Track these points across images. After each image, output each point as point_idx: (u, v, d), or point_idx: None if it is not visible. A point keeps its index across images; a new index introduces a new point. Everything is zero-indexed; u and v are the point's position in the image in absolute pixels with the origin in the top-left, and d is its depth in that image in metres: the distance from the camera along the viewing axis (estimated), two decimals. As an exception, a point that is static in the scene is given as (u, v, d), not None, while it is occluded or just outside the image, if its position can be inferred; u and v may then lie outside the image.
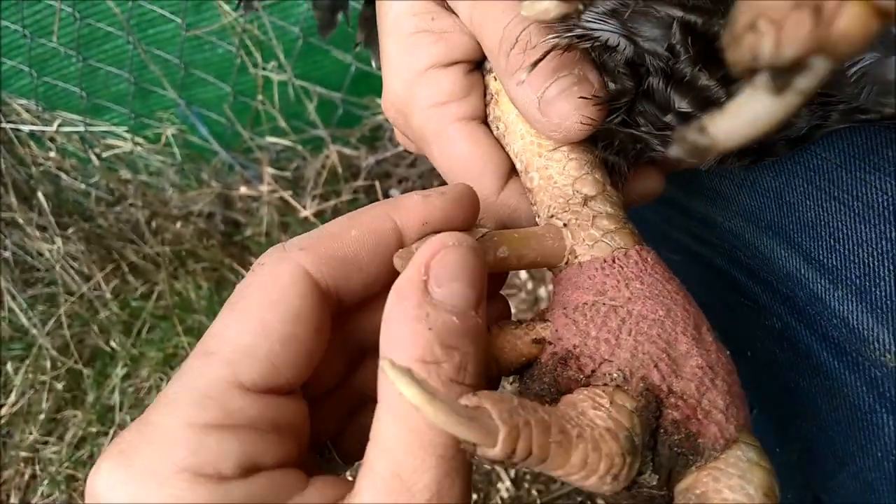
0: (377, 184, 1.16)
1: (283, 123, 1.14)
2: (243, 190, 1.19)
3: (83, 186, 1.18)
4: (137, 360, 1.07)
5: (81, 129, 1.13)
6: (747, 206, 0.36)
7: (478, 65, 0.33)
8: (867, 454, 0.31)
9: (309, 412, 0.27)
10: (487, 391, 0.21)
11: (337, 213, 1.10)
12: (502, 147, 0.33)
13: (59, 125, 1.11)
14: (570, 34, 0.27)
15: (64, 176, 1.17)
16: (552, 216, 0.29)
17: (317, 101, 1.12)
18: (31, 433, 1.01)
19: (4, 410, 1.03)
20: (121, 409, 1.02)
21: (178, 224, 1.19)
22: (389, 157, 1.20)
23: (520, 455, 0.20)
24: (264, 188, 1.15)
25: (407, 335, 0.22)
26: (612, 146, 0.31)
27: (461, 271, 0.23)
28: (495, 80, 0.32)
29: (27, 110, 1.11)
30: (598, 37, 0.27)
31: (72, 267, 1.12)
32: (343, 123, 1.19)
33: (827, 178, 0.32)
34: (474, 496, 0.91)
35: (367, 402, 0.30)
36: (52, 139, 1.14)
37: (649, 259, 0.27)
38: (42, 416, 1.03)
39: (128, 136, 1.15)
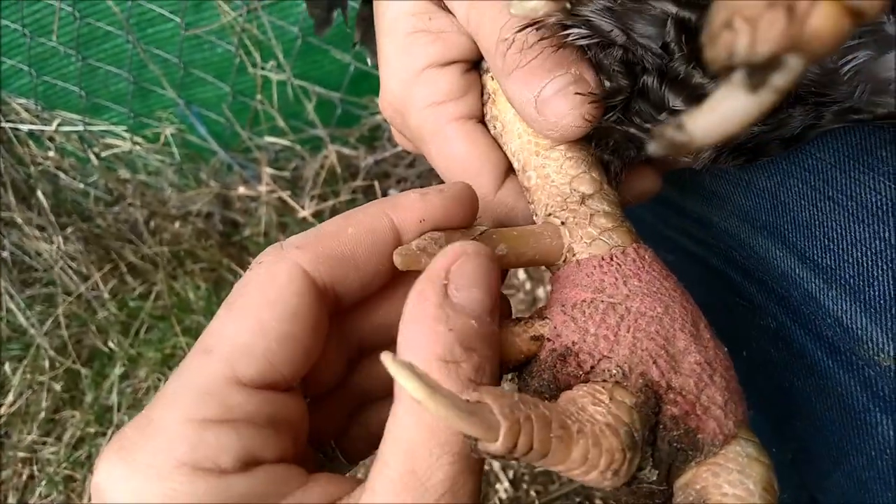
0: (376, 184, 1.16)
1: (281, 123, 1.14)
2: (242, 190, 1.19)
3: (82, 186, 1.18)
4: (135, 361, 1.07)
5: (80, 128, 1.13)
6: (742, 205, 0.36)
7: (475, 64, 0.33)
8: (861, 453, 0.31)
9: (310, 411, 0.27)
10: (488, 386, 0.21)
11: (335, 213, 1.10)
12: (499, 146, 0.33)
13: (59, 125, 1.11)
14: (567, 25, 0.27)
15: (62, 175, 1.17)
16: (550, 214, 0.29)
17: (316, 100, 1.12)
18: (29, 433, 1.01)
19: (2, 411, 1.03)
20: (119, 410, 1.02)
21: (177, 224, 1.19)
22: (388, 157, 1.20)
23: (521, 450, 0.20)
24: (263, 188, 1.15)
25: (428, 334, 0.22)
26: (607, 145, 0.31)
27: (480, 278, 0.24)
28: (492, 79, 0.32)
29: (26, 110, 1.11)
30: (594, 24, 0.27)
31: (70, 267, 1.12)
32: (342, 123, 1.19)
33: (821, 177, 0.32)
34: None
35: (369, 402, 0.30)
36: (51, 138, 1.14)
37: (647, 257, 0.27)
38: (40, 417, 1.03)
39: (127, 135, 1.15)
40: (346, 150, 1.18)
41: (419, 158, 1.17)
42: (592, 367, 0.25)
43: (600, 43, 0.28)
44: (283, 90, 1.12)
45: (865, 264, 0.30)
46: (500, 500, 0.91)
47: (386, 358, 0.19)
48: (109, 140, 1.16)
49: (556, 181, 0.30)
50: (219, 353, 0.23)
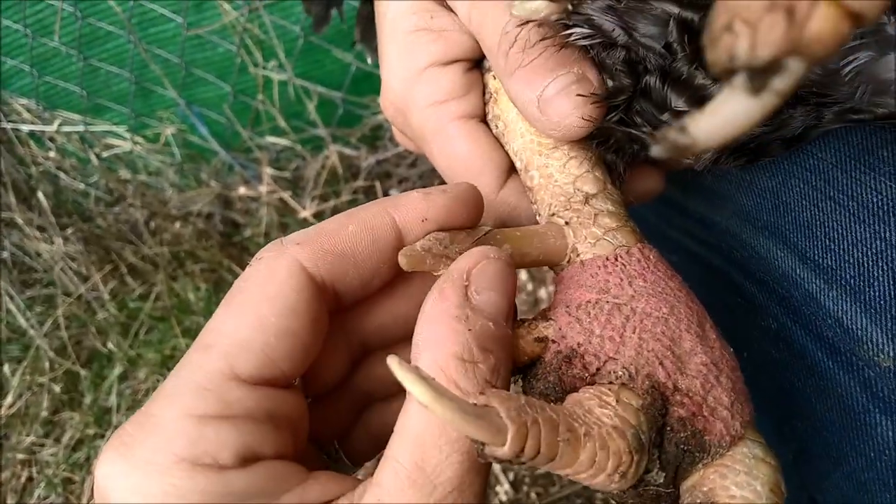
0: (377, 184, 1.16)
1: (283, 123, 1.14)
2: (242, 190, 1.19)
3: (82, 186, 1.18)
4: (135, 362, 1.07)
5: (81, 128, 1.13)
6: (744, 205, 0.36)
7: (476, 63, 0.33)
8: (860, 454, 0.31)
9: (314, 411, 0.27)
10: (495, 390, 0.21)
11: (336, 213, 1.10)
12: (501, 146, 0.33)
13: (60, 125, 1.11)
14: (570, 24, 0.27)
15: (63, 176, 1.17)
16: (553, 214, 0.29)
17: (317, 100, 1.12)
18: (28, 435, 1.01)
19: (2, 412, 1.03)
20: (118, 411, 1.02)
21: (177, 224, 1.18)
22: (390, 157, 1.19)
23: (528, 454, 0.20)
24: (263, 188, 1.15)
25: (447, 333, 0.23)
26: (609, 145, 0.31)
27: (499, 283, 0.25)
28: (494, 78, 0.32)
29: (28, 110, 1.11)
30: (597, 24, 0.27)
31: (70, 268, 1.12)
32: (343, 123, 1.19)
33: (823, 178, 0.32)
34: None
35: (372, 402, 0.30)
36: (52, 139, 1.14)
37: (651, 257, 0.27)
38: (40, 418, 1.02)
39: (127, 135, 1.15)
40: (347, 150, 1.18)
41: (421, 158, 1.17)
42: (598, 369, 0.25)
43: (602, 42, 0.28)
44: (284, 90, 1.12)
45: (866, 265, 0.30)
46: (501, 502, 0.90)
47: (392, 362, 0.19)
48: (110, 140, 1.16)
49: (560, 181, 0.30)
50: (218, 348, 0.23)
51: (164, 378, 0.24)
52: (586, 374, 0.25)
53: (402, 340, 0.30)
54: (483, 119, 0.33)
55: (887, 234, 0.30)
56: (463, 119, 0.32)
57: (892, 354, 0.29)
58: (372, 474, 0.23)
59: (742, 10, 0.13)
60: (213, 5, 1.03)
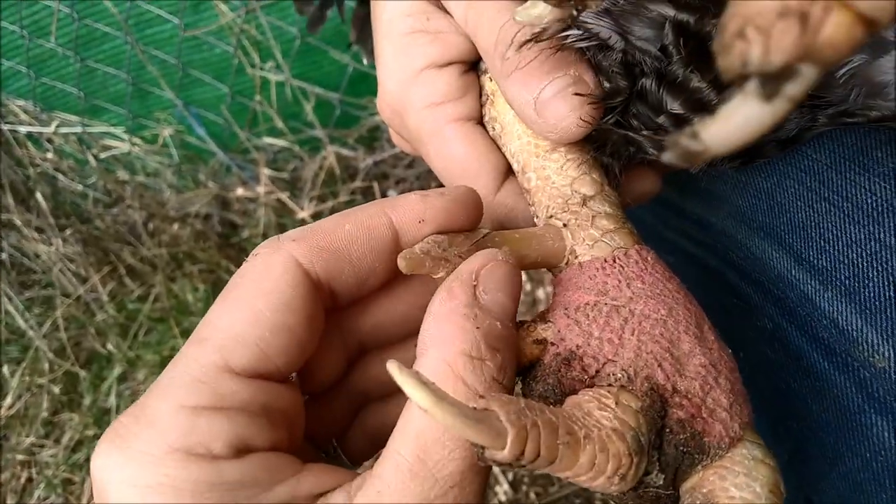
0: (375, 185, 1.16)
1: (280, 124, 1.14)
2: (240, 191, 1.19)
3: (80, 188, 1.18)
4: (134, 363, 1.07)
5: (79, 129, 1.13)
6: (740, 206, 0.36)
7: (473, 65, 0.33)
8: (856, 454, 0.31)
9: (311, 410, 0.27)
10: (495, 394, 0.21)
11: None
12: (498, 148, 0.33)
13: (57, 126, 1.11)
14: (564, 32, 0.27)
15: (61, 177, 1.17)
16: (551, 216, 0.29)
17: (314, 101, 1.12)
18: (27, 436, 1.01)
19: (1, 413, 1.03)
20: (117, 412, 1.02)
21: (175, 226, 1.19)
22: (387, 158, 1.20)
23: (528, 457, 0.20)
24: (261, 189, 1.15)
25: (456, 330, 0.23)
26: (605, 148, 0.31)
27: (506, 284, 0.25)
28: (490, 80, 0.32)
29: (25, 111, 1.11)
30: (593, 31, 0.27)
31: (69, 269, 1.12)
32: (341, 124, 1.19)
33: (817, 179, 0.32)
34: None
35: (369, 402, 0.31)
36: (49, 140, 1.14)
37: (649, 258, 0.27)
38: (39, 419, 1.03)
39: (125, 136, 1.15)
40: (344, 151, 1.18)
41: (418, 160, 1.17)
42: (597, 371, 0.25)
43: (599, 45, 0.28)
44: (281, 91, 1.12)
45: (861, 265, 0.30)
46: (500, 502, 0.90)
47: (392, 367, 0.19)
48: (108, 141, 1.16)
49: (557, 183, 0.30)
50: (212, 342, 0.24)
51: (163, 378, 0.24)
52: (585, 377, 0.25)
53: (399, 341, 0.30)
54: (479, 121, 0.33)
55: (882, 236, 0.30)
56: (459, 121, 0.32)
57: (886, 355, 0.29)
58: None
59: (754, 17, 0.13)
60: (210, 6, 1.03)
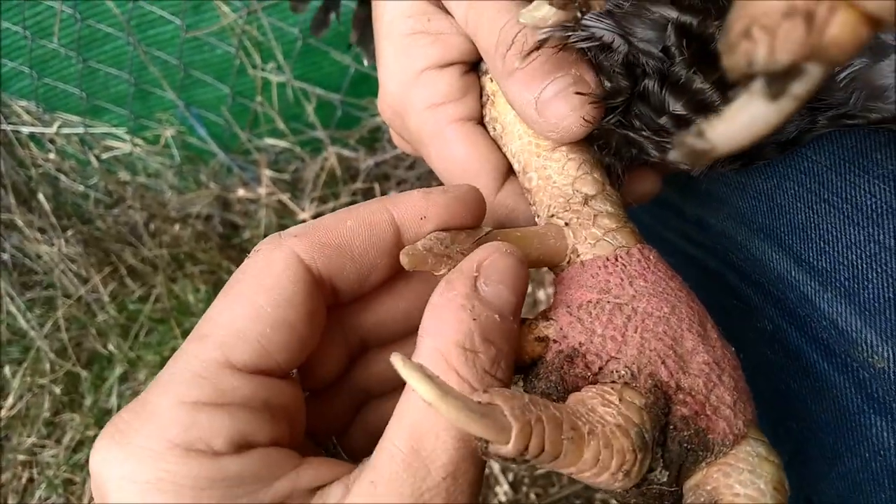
0: (376, 186, 1.16)
1: (281, 125, 1.14)
2: (241, 192, 1.19)
3: (82, 188, 1.19)
4: (135, 364, 1.07)
5: (81, 130, 1.13)
6: (739, 208, 0.36)
7: (473, 66, 0.33)
8: (855, 455, 0.31)
9: (312, 407, 0.27)
10: (499, 388, 0.21)
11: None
12: (499, 148, 0.33)
13: (59, 127, 1.11)
14: (565, 31, 0.27)
15: (63, 178, 1.17)
16: (552, 216, 0.29)
17: (315, 102, 1.12)
18: (28, 436, 1.01)
19: (2, 413, 1.03)
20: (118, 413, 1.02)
21: (177, 226, 1.19)
22: (388, 159, 1.20)
23: (532, 452, 0.20)
24: (262, 190, 1.15)
25: (452, 320, 0.23)
26: (607, 148, 0.31)
27: (509, 277, 0.25)
28: (491, 81, 0.33)
29: (27, 112, 1.11)
30: (594, 34, 0.27)
31: (70, 270, 1.12)
32: (342, 125, 1.19)
33: (817, 180, 0.32)
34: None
35: (371, 399, 0.31)
36: (51, 140, 1.14)
37: (651, 257, 0.27)
38: (40, 420, 1.03)
39: (127, 137, 1.15)
40: (346, 152, 1.18)
41: (419, 160, 1.17)
42: (600, 369, 0.25)
43: (601, 45, 0.28)
44: (282, 92, 1.12)
45: (860, 267, 0.30)
46: (501, 502, 0.90)
47: (396, 359, 0.19)
48: (110, 142, 1.16)
49: (558, 182, 0.30)
50: (213, 338, 0.24)
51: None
52: (588, 374, 0.25)
53: (400, 338, 0.30)
54: (480, 121, 0.33)
55: (881, 237, 0.30)
56: (460, 122, 0.32)
57: (885, 356, 0.29)
58: None
59: (760, 17, 0.13)
60: (212, 7, 1.03)
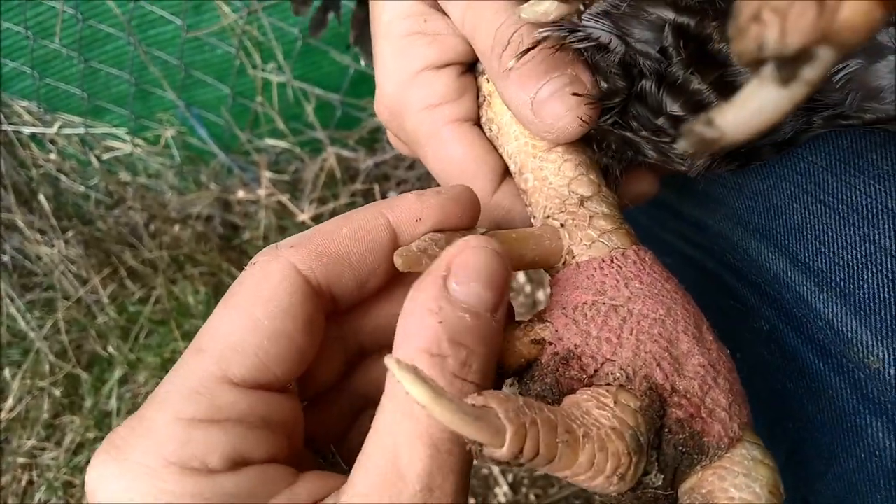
0: (376, 187, 1.16)
1: (281, 125, 1.14)
2: (241, 194, 1.19)
3: (82, 189, 1.19)
4: (135, 366, 1.07)
5: (82, 130, 1.14)
6: (736, 208, 0.36)
7: (470, 67, 0.33)
8: (851, 455, 0.31)
9: (309, 414, 0.27)
10: (493, 391, 0.21)
11: (334, 216, 1.11)
12: (495, 149, 0.33)
13: (60, 127, 1.12)
14: (562, 31, 0.27)
15: (63, 178, 1.17)
16: (548, 217, 0.29)
17: (315, 102, 1.12)
18: (28, 439, 1.01)
19: (2, 416, 1.03)
20: (118, 415, 1.02)
21: (177, 227, 1.19)
22: (388, 160, 1.20)
23: (527, 455, 0.20)
24: (262, 191, 1.15)
25: (417, 326, 0.22)
26: (605, 149, 0.31)
27: (482, 273, 0.23)
28: (488, 81, 0.32)
29: (28, 112, 1.11)
30: (590, 34, 0.27)
31: (70, 271, 1.12)
32: (342, 125, 1.19)
33: (813, 181, 0.32)
34: (472, 501, 0.91)
35: (369, 405, 0.30)
36: (52, 141, 1.14)
37: (647, 259, 0.27)
38: (40, 422, 1.03)
39: (128, 137, 1.15)
40: (345, 153, 1.18)
41: (419, 161, 1.17)
42: (596, 371, 0.25)
43: (597, 45, 0.28)
44: (282, 92, 1.12)
45: (855, 267, 0.30)
46: (500, 503, 0.90)
47: (389, 361, 0.18)
48: (110, 142, 1.16)
49: (554, 183, 0.30)
50: (211, 352, 0.23)
51: (164, 381, 0.24)
52: (583, 376, 0.25)
53: None
54: (477, 122, 0.33)
55: (876, 237, 0.30)
56: (457, 122, 0.32)
57: (881, 356, 0.29)
58: None
59: None
60: (213, 7, 1.03)
